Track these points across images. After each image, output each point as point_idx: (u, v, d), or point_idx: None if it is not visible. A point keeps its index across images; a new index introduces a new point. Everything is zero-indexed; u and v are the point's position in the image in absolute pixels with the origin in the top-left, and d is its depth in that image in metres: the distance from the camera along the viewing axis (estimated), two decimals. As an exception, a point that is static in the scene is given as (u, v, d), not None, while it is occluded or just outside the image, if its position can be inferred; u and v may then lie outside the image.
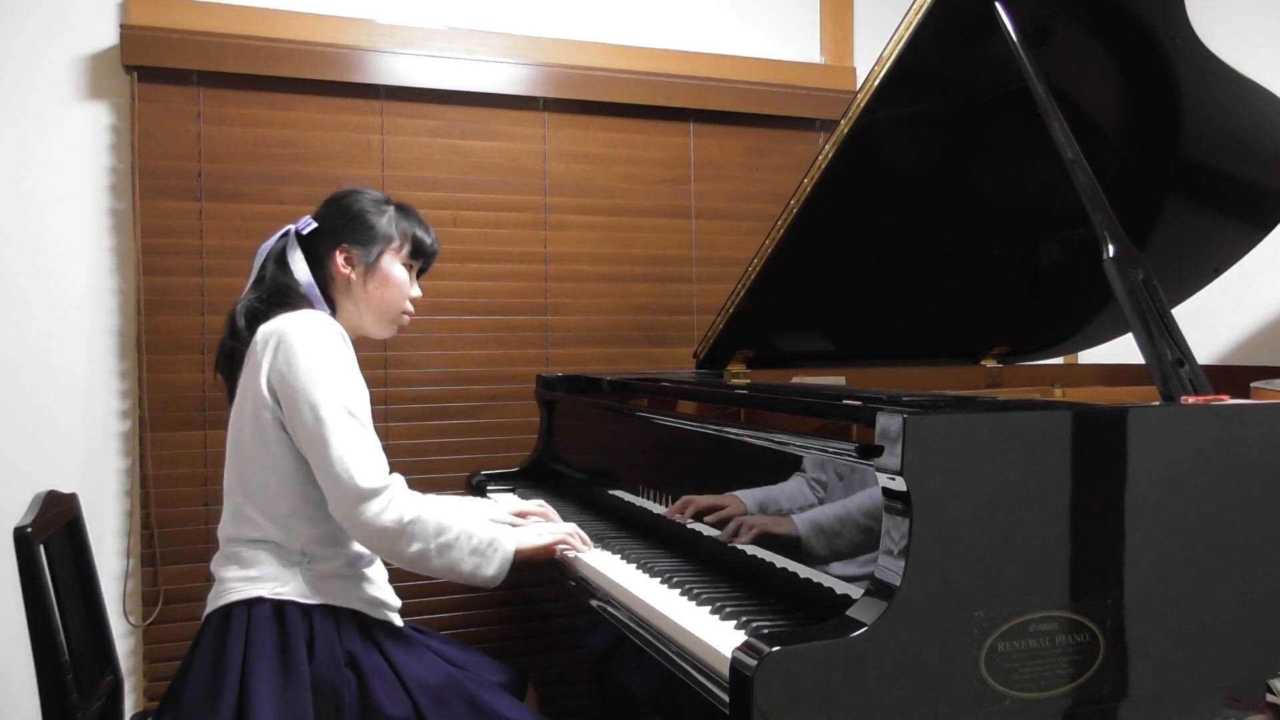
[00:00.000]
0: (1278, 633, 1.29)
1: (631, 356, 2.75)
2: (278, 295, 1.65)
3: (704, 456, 1.71)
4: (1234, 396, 1.36)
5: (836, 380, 2.26)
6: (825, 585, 1.31)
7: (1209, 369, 1.49)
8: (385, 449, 1.58)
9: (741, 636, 1.19)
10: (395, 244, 1.74)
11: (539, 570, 1.79)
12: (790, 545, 1.40)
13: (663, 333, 2.78)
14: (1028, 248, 2.22)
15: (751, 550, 1.48)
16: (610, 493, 2.04)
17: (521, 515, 1.88)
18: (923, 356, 2.39)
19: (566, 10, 2.70)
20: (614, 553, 1.69)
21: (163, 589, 2.31)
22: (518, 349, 2.64)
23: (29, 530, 1.52)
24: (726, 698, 1.09)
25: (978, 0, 1.62)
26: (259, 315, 1.63)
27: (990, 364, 2.40)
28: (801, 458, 1.39)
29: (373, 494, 1.51)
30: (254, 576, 1.57)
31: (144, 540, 2.32)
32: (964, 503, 1.12)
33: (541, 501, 1.94)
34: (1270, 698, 1.65)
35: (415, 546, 1.54)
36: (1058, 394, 2.22)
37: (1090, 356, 2.80)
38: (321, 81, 2.44)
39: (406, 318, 1.79)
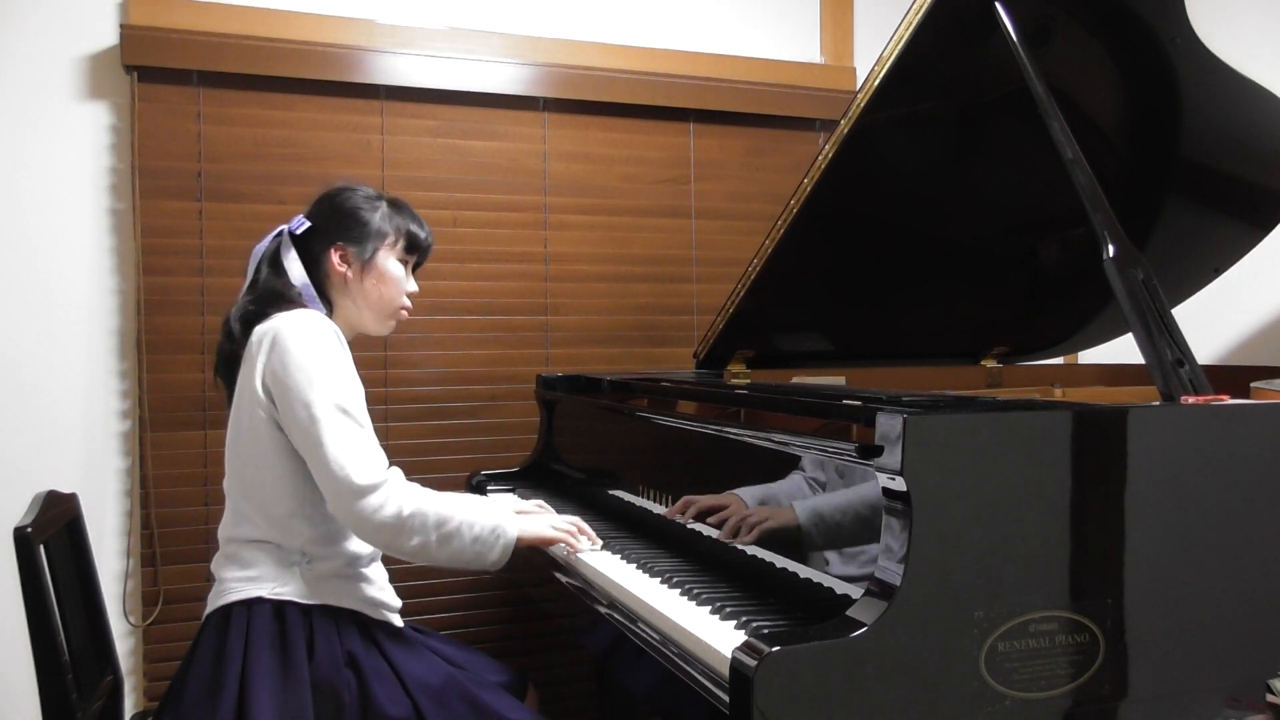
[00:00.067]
0: (1278, 633, 1.29)
1: (631, 356, 2.75)
2: (271, 298, 1.65)
3: (704, 456, 1.71)
4: (1234, 396, 1.36)
5: (836, 380, 2.26)
6: (825, 585, 1.31)
7: (1209, 369, 1.49)
8: (385, 449, 1.58)
9: (741, 636, 1.19)
10: (390, 239, 1.74)
11: (539, 570, 1.80)
12: (791, 536, 1.40)
13: (663, 333, 2.78)
14: (1028, 248, 2.22)
15: (751, 550, 1.48)
16: (610, 493, 2.04)
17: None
18: (923, 356, 2.39)
19: (566, 10, 2.70)
20: (614, 553, 1.69)
21: (163, 589, 2.31)
22: (518, 349, 2.64)
23: (29, 530, 1.52)
24: (726, 698, 1.09)
25: (978, 0, 1.62)
26: (253, 319, 1.63)
27: (990, 364, 2.40)
28: (801, 457, 1.39)
29: (369, 490, 1.51)
30: (253, 576, 1.57)
31: (144, 540, 2.32)
32: (964, 503, 1.12)
33: (541, 502, 1.94)
34: (1270, 698, 1.65)
35: (416, 540, 1.54)
36: (1058, 394, 2.22)
37: (1090, 356, 2.80)
38: (321, 81, 2.44)
39: (404, 313, 1.79)
